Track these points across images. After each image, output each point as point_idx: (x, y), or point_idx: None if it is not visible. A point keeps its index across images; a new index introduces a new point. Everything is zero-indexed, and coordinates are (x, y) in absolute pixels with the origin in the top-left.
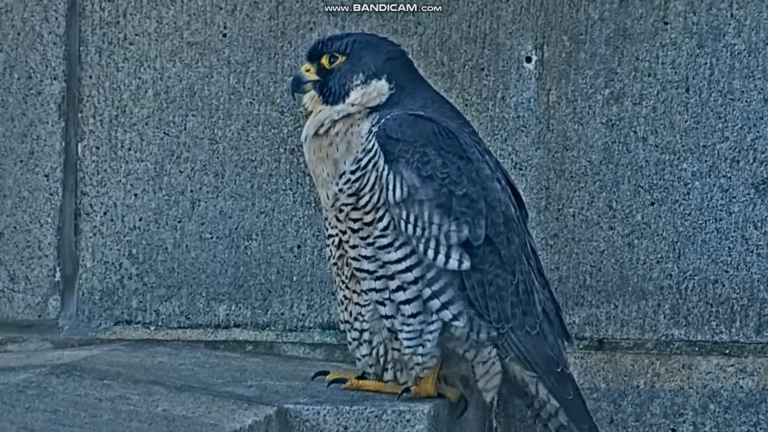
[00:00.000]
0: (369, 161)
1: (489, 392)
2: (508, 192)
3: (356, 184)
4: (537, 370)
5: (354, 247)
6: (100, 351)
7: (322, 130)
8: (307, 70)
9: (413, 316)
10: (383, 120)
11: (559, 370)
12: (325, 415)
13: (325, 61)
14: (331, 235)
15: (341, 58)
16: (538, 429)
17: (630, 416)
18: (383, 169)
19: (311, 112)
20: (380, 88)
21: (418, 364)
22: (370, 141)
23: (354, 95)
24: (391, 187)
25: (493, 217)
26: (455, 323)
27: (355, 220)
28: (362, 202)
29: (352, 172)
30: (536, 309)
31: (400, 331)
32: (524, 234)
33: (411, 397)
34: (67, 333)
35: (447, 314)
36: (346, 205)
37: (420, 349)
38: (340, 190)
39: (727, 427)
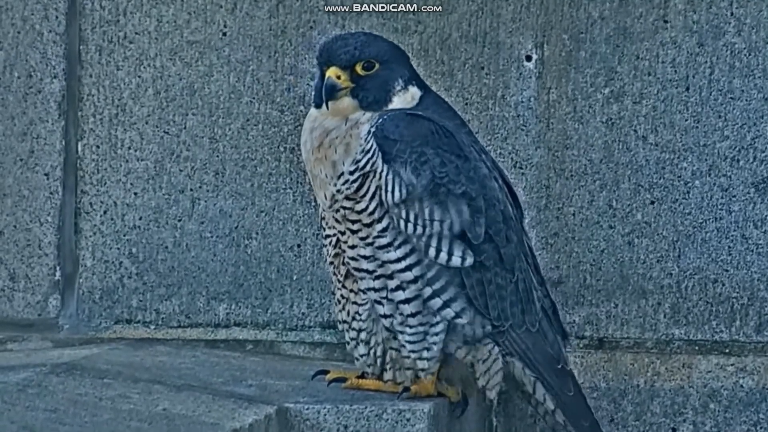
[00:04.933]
0: (367, 162)
1: (492, 390)
2: (505, 191)
3: (355, 185)
4: (537, 368)
5: (353, 247)
6: (100, 350)
7: (326, 140)
8: (338, 77)
9: (412, 315)
10: (380, 120)
11: (559, 367)
12: (325, 414)
13: (359, 68)
14: (328, 235)
15: (377, 65)
16: (538, 428)
17: (630, 415)
18: (382, 170)
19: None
20: (414, 92)
21: (423, 369)
22: (368, 142)
23: (397, 100)
24: (389, 188)
25: (493, 215)
26: (458, 320)
27: (354, 222)
28: (361, 205)
29: (351, 173)
30: (536, 307)
31: (401, 332)
32: (521, 232)
33: (411, 396)
34: (67, 332)
35: (450, 312)
36: (345, 207)
37: (425, 353)
38: (338, 191)
39: (727, 426)
